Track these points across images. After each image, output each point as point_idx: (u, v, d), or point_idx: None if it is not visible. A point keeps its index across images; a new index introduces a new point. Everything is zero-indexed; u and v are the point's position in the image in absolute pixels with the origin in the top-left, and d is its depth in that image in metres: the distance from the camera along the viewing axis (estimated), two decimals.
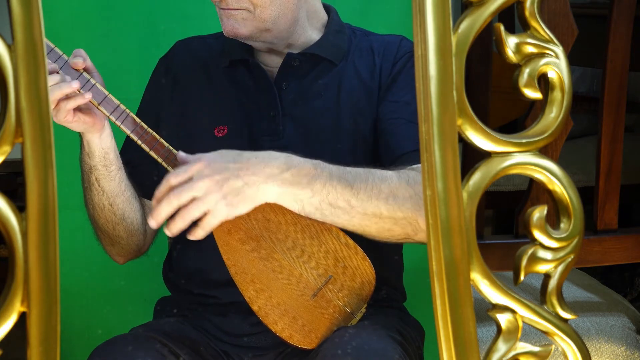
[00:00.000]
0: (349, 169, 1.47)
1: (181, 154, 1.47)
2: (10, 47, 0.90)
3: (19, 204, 0.93)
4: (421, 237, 1.49)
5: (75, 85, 1.47)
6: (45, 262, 0.91)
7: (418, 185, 1.48)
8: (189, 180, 1.40)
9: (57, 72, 1.49)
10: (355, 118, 1.64)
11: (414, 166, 1.53)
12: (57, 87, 1.47)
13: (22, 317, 0.92)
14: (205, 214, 1.40)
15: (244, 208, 1.41)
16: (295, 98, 1.65)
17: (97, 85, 1.52)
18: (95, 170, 1.59)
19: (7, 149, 0.91)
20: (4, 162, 0.92)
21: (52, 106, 1.48)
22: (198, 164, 1.41)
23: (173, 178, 1.41)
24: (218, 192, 1.39)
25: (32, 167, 0.91)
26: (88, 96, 1.48)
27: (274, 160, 1.42)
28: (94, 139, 1.56)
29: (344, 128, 1.63)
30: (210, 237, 1.58)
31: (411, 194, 1.47)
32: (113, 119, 1.52)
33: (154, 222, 1.43)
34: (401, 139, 1.59)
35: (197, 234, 1.41)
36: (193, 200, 1.39)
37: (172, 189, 1.41)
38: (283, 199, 1.43)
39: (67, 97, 1.48)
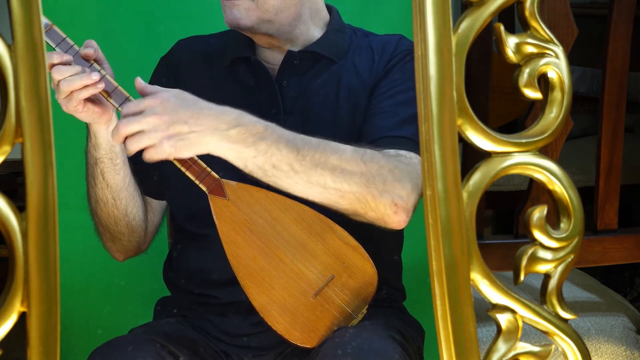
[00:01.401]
0: (304, 136, 1.48)
1: (139, 81, 1.47)
2: (10, 47, 0.90)
3: (19, 204, 0.92)
4: (371, 216, 1.49)
5: (95, 77, 1.49)
6: (45, 262, 0.91)
7: (372, 163, 1.48)
8: (140, 112, 1.42)
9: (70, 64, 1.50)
10: (353, 115, 1.64)
11: (385, 150, 1.53)
12: (78, 78, 1.48)
13: (22, 317, 0.92)
14: (149, 147, 1.42)
15: (186, 153, 1.42)
16: (296, 95, 1.66)
17: (107, 76, 1.52)
18: (101, 163, 1.59)
19: (7, 149, 0.91)
20: (4, 162, 0.92)
21: (63, 95, 1.48)
22: (153, 99, 1.43)
23: (125, 108, 1.44)
24: (164, 131, 1.41)
25: (32, 167, 0.91)
26: (100, 86, 1.50)
27: (225, 115, 1.44)
28: (101, 130, 1.56)
29: (344, 125, 1.64)
30: (210, 238, 1.58)
31: (362, 170, 1.47)
32: (122, 110, 1.53)
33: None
34: (372, 128, 1.60)
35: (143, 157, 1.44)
36: (140, 132, 1.41)
37: (123, 117, 1.43)
38: (227, 154, 1.44)
39: (81, 87, 1.49)
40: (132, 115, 1.42)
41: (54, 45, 1.52)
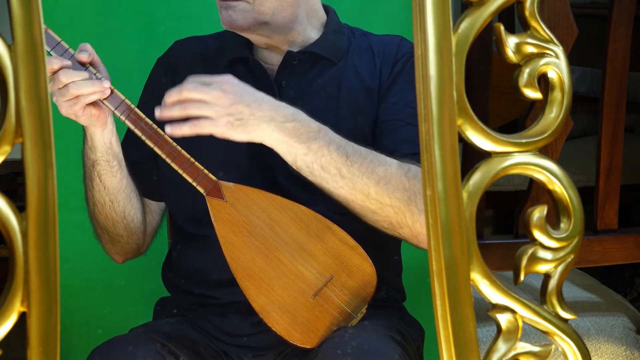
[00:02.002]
0: (354, 144, 1.51)
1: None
2: (10, 47, 0.90)
3: (19, 204, 0.92)
4: (405, 233, 1.51)
5: (106, 84, 1.51)
6: (45, 262, 0.91)
7: (415, 181, 1.49)
8: (208, 84, 1.45)
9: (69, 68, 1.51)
10: (355, 117, 1.64)
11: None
12: (90, 83, 1.50)
13: (22, 317, 0.92)
14: (203, 117, 1.44)
15: (240, 135, 1.45)
16: (295, 96, 1.66)
17: (103, 80, 1.52)
18: (97, 165, 1.60)
19: (7, 149, 0.91)
20: (4, 162, 0.92)
21: (68, 98, 1.49)
22: (223, 79, 1.46)
23: (194, 77, 1.46)
24: (226, 107, 1.44)
25: (32, 167, 0.91)
26: (107, 92, 1.51)
27: (284, 109, 1.48)
28: (97, 132, 1.57)
29: (344, 126, 1.64)
30: (210, 238, 1.58)
31: (405, 186, 1.49)
32: (118, 113, 1.53)
33: (158, 111, 1.47)
34: (399, 141, 1.60)
35: (182, 129, 1.45)
36: (201, 101, 1.44)
37: (189, 83, 1.45)
38: (278, 147, 1.47)
39: (91, 92, 1.50)
40: (199, 84, 1.44)
41: (49, 49, 1.52)
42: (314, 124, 1.48)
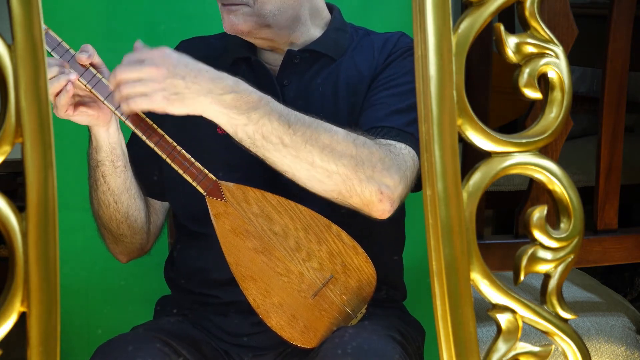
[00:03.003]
0: (298, 113, 1.49)
1: (138, 43, 1.48)
2: (10, 47, 0.90)
3: (19, 204, 0.93)
4: (355, 202, 1.49)
5: (72, 77, 1.49)
6: (45, 262, 0.91)
7: (363, 148, 1.48)
8: (141, 62, 1.43)
9: (63, 66, 1.50)
10: (352, 110, 1.64)
11: (378, 140, 1.53)
12: (56, 80, 1.48)
13: (22, 317, 0.92)
14: (140, 95, 1.43)
15: (178, 109, 1.43)
16: (297, 95, 1.66)
17: (104, 80, 1.52)
18: (102, 166, 1.60)
19: (7, 149, 0.91)
20: (4, 162, 0.92)
21: (52, 99, 1.49)
22: (155, 51, 1.44)
23: (128, 56, 1.44)
24: (160, 82, 1.42)
25: (32, 167, 0.91)
26: (70, 89, 1.49)
27: (222, 80, 1.45)
28: (101, 132, 1.56)
29: (344, 120, 1.64)
30: (212, 238, 1.58)
31: (352, 153, 1.47)
32: (118, 114, 1.53)
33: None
34: (365, 118, 1.60)
35: (123, 108, 1.44)
36: (136, 79, 1.42)
37: (123, 63, 1.44)
38: (219, 119, 1.45)
39: (60, 92, 1.49)
40: (132, 63, 1.43)
41: (49, 50, 1.52)
42: (255, 95, 1.46)
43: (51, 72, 1.49)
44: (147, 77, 1.42)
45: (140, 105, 1.42)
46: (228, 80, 1.45)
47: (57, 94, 1.50)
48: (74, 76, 1.49)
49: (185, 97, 1.43)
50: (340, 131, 1.49)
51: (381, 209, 1.50)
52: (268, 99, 1.47)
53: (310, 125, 1.48)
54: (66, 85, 1.49)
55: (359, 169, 1.47)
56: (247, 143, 1.47)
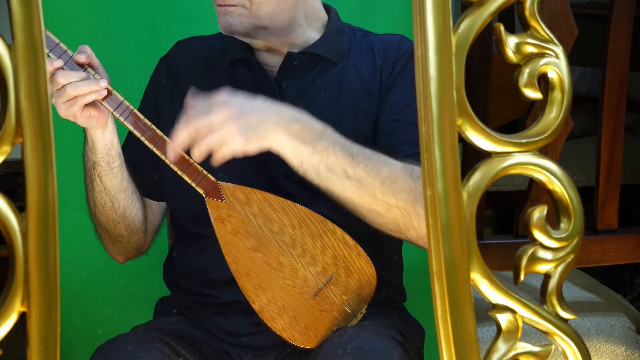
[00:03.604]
0: (358, 145, 1.48)
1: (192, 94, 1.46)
2: (10, 47, 0.90)
3: (19, 204, 0.92)
4: (412, 235, 1.49)
5: (103, 84, 1.49)
6: (45, 262, 0.91)
7: (420, 182, 1.48)
8: (207, 108, 1.42)
9: (62, 68, 1.51)
10: (356, 117, 1.64)
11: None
12: (86, 83, 1.49)
13: (22, 317, 0.92)
14: (220, 145, 1.41)
15: (254, 146, 1.42)
16: (296, 97, 1.66)
17: (100, 79, 1.52)
18: (98, 166, 1.60)
19: (7, 149, 0.91)
20: (4, 162, 0.92)
21: (65, 99, 1.49)
22: (218, 96, 1.43)
23: (191, 107, 1.43)
24: (235, 125, 1.41)
25: (32, 167, 0.91)
26: (104, 92, 1.50)
27: (285, 110, 1.45)
28: (98, 134, 1.56)
29: (345, 127, 1.64)
30: (211, 238, 1.58)
31: (411, 187, 1.47)
32: (117, 115, 1.53)
33: (171, 154, 1.47)
34: (400, 142, 1.59)
35: (214, 163, 1.43)
36: (210, 131, 1.41)
37: (189, 111, 1.42)
38: (286, 150, 1.44)
39: (88, 93, 1.50)
40: (199, 111, 1.41)
41: (47, 51, 1.52)
42: (317, 124, 1.46)
43: (76, 75, 1.49)
44: (220, 123, 1.40)
45: (224, 153, 1.41)
46: (290, 110, 1.45)
47: (82, 95, 1.50)
48: (105, 83, 1.50)
49: (259, 131, 1.42)
50: (398, 164, 1.49)
51: None
52: (330, 129, 1.47)
53: (372, 158, 1.48)
54: (98, 91, 1.50)
55: (417, 203, 1.47)
56: (312, 175, 1.46)
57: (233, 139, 1.40)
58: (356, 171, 1.46)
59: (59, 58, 1.52)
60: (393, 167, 1.48)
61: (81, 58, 1.53)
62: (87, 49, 1.55)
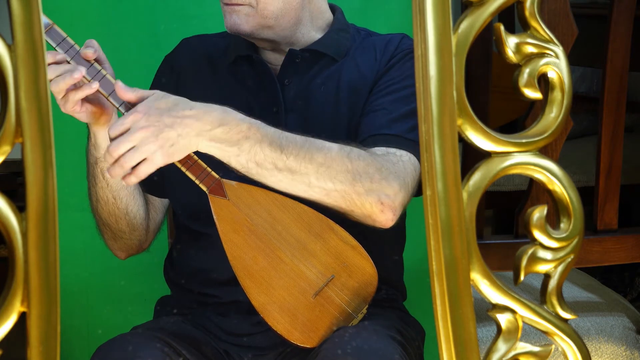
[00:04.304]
0: (289, 134, 1.49)
1: (120, 87, 1.48)
2: (10, 47, 0.90)
3: (19, 204, 0.92)
4: (358, 214, 1.51)
5: (76, 75, 1.48)
6: (45, 262, 0.91)
7: (358, 161, 1.49)
8: (127, 131, 1.43)
9: (68, 62, 1.50)
10: (353, 111, 1.65)
11: (374, 149, 1.53)
12: (62, 79, 1.48)
13: (22, 317, 0.92)
14: (141, 162, 1.43)
15: (178, 156, 1.45)
16: (298, 94, 1.66)
17: (108, 76, 1.52)
18: (101, 163, 1.60)
19: (7, 149, 0.91)
20: (4, 162, 0.92)
21: (59, 96, 1.49)
22: (134, 114, 1.44)
23: (112, 130, 1.44)
24: (154, 142, 1.42)
25: (32, 167, 0.91)
26: (95, 86, 1.50)
27: (208, 115, 1.45)
28: (101, 130, 1.56)
29: (344, 121, 1.64)
30: (212, 237, 1.58)
31: (348, 168, 1.48)
32: (122, 111, 1.53)
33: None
34: (365, 126, 1.60)
35: (130, 180, 1.44)
36: (131, 149, 1.43)
37: (111, 140, 1.44)
38: (212, 152, 1.46)
39: (76, 88, 1.49)
40: (119, 136, 1.43)
41: (54, 45, 1.52)
42: (244, 123, 1.46)
43: (58, 70, 1.48)
44: (139, 143, 1.42)
45: (146, 171, 1.43)
46: (214, 113, 1.46)
47: (72, 90, 1.49)
48: (78, 74, 1.49)
49: (179, 145, 1.44)
50: (334, 147, 1.50)
51: (384, 219, 1.50)
52: (258, 125, 1.48)
53: (303, 146, 1.48)
54: (79, 82, 1.49)
55: (356, 183, 1.48)
56: (242, 171, 1.48)
57: (154, 156, 1.42)
58: (286, 163, 1.47)
59: (65, 52, 1.51)
60: (327, 151, 1.49)
61: (89, 52, 1.52)
62: (95, 43, 1.54)
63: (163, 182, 1.71)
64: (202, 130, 1.44)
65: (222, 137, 1.45)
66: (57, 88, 1.48)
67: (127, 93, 1.47)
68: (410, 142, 1.55)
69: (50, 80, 1.47)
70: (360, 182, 1.48)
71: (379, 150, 1.54)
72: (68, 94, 1.49)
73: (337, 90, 1.66)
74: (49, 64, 1.48)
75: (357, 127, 1.63)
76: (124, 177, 1.45)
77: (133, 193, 1.66)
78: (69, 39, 1.52)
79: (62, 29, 1.53)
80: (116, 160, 1.43)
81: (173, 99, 1.46)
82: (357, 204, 1.49)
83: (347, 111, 1.65)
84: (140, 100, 1.46)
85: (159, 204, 1.76)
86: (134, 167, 1.43)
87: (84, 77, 1.50)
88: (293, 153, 1.47)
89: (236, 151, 1.46)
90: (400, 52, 1.67)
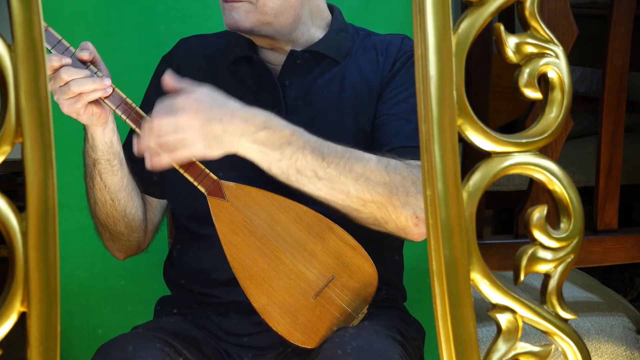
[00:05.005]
0: (330, 143, 1.49)
1: (168, 78, 1.46)
2: (10, 47, 0.90)
3: (19, 204, 0.92)
4: (391, 228, 1.51)
5: (107, 82, 1.50)
6: (45, 262, 0.91)
7: (395, 174, 1.49)
8: (175, 109, 1.42)
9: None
10: (357, 114, 1.65)
11: (410, 161, 1.53)
12: (91, 80, 1.49)
13: (22, 317, 0.92)
14: (179, 146, 1.42)
15: (216, 153, 1.44)
16: (299, 95, 1.66)
17: (104, 77, 1.52)
18: (98, 164, 1.60)
19: (7, 149, 0.91)
20: (4, 162, 0.92)
21: (70, 95, 1.49)
22: (187, 97, 1.43)
23: (161, 105, 1.43)
24: (199, 130, 1.41)
25: (32, 167, 0.91)
26: (110, 90, 1.50)
27: (254, 117, 1.45)
28: (98, 131, 1.57)
29: (347, 124, 1.64)
30: (212, 238, 1.58)
31: (386, 180, 1.48)
32: (119, 112, 1.53)
33: (135, 149, 1.46)
34: (391, 135, 1.60)
35: (162, 161, 1.43)
36: (174, 131, 1.42)
37: (155, 113, 1.43)
38: (253, 156, 1.46)
39: (92, 90, 1.50)
40: (167, 111, 1.42)
41: (49, 47, 1.52)
42: (287, 129, 1.46)
43: (80, 72, 1.49)
44: (184, 127, 1.41)
45: (183, 154, 1.42)
46: (260, 116, 1.46)
47: (86, 93, 1.50)
48: (109, 81, 1.50)
49: (223, 140, 1.43)
50: (372, 158, 1.50)
51: (418, 233, 1.51)
52: (300, 132, 1.47)
53: (343, 156, 1.48)
54: (103, 89, 1.50)
55: (393, 196, 1.48)
56: (281, 178, 1.47)
57: (194, 143, 1.41)
58: (327, 171, 1.47)
59: (61, 54, 1.52)
60: (367, 162, 1.49)
61: (84, 55, 1.53)
62: (90, 45, 1.55)
63: (162, 183, 1.71)
64: (246, 132, 1.44)
65: (265, 141, 1.44)
66: (80, 89, 1.48)
67: (173, 83, 1.46)
68: None
69: (70, 81, 1.48)
70: (397, 195, 1.48)
71: (412, 162, 1.54)
72: (82, 95, 1.50)
73: (340, 93, 1.66)
74: (62, 66, 1.49)
75: (365, 133, 1.62)
76: (152, 157, 1.43)
77: (131, 194, 1.66)
78: (64, 41, 1.53)
79: (61, 30, 1.53)
80: (154, 136, 1.41)
81: (224, 95, 1.46)
82: (392, 217, 1.50)
83: (351, 114, 1.65)
84: (183, 90, 1.45)
85: (157, 204, 1.76)
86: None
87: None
88: (334, 162, 1.47)
89: (278, 156, 1.45)
90: (403, 55, 1.67)
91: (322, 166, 1.47)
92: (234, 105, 1.45)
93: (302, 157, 1.46)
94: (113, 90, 1.53)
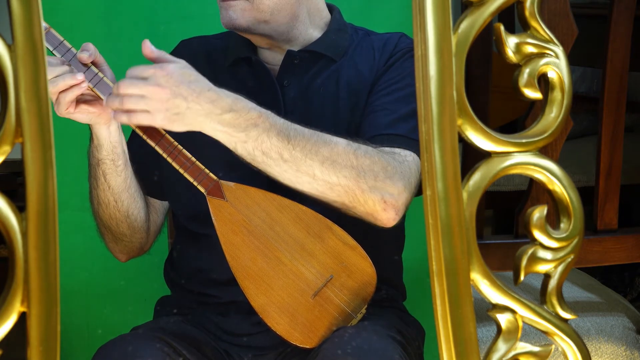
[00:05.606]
0: (298, 127, 1.50)
1: (147, 45, 1.48)
2: (10, 47, 0.90)
3: (19, 204, 0.93)
4: (360, 211, 1.51)
5: (79, 77, 1.48)
6: (45, 262, 0.91)
7: (364, 158, 1.49)
8: (144, 79, 1.43)
9: (68, 65, 1.50)
10: (353, 111, 1.65)
11: (382, 148, 1.53)
12: (61, 79, 1.48)
13: (22, 317, 0.92)
14: (141, 111, 1.43)
15: (177, 128, 1.45)
16: (297, 95, 1.66)
17: (105, 79, 1.52)
18: (103, 164, 1.60)
19: (7, 149, 0.91)
20: (4, 162, 0.92)
21: (53, 98, 1.49)
22: (159, 69, 1.44)
23: (131, 70, 1.44)
24: (163, 102, 1.42)
25: (32, 167, 0.91)
26: (84, 85, 1.49)
27: (221, 99, 1.45)
28: (102, 131, 1.56)
29: (343, 123, 1.64)
30: (212, 238, 1.58)
31: (353, 164, 1.48)
32: (127, 72, 1.53)
33: (104, 102, 1.48)
34: (370, 124, 1.60)
35: (120, 118, 1.44)
36: (139, 95, 1.43)
37: (127, 77, 1.44)
38: (218, 136, 1.46)
39: (66, 89, 1.49)
40: (135, 79, 1.43)
41: (51, 49, 1.52)
42: (254, 111, 1.47)
43: (55, 71, 1.49)
44: (150, 96, 1.42)
45: (141, 120, 1.44)
46: (227, 98, 1.46)
47: (62, 92, 1.49)
48: (81, 76, 1.50)
49: (185, 116, 1.44)
50: (341, 142, 1.50)
51: (386, 218, 1.51)
52: (268, 114, 1.48)
53: (310, 139, 1.49)
54: (75, 85, 1.49)
55: (360, 180, 1.48)
56: (247, 159, 1.48)
57: (155, 114, 1.43)
58: (292, 153, 1.47)
59: (62, 56, 1.52)
60: (334, 145, 1.50)
61: (84, 56, 1.52)
62: (91, 46, 1.55)
63: (162, 184, 1.71)
64: (211, 113, 1.44)
65: (230, 122, 1.45)
66: (53, 89, 1.48)
67: (150, 50, 1.47)
68: (413, 142, 1.56)
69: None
70: (364, 179, 1.48)
71: (385, 149, 1.54)
72: (59, 96, 1.49)
73: (336, 91, 1.66)
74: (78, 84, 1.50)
75: (357, 127, 1.63)
76: (115, 113, 1.45)
77: (134, 195, 1.66)
78: (65, 42, 1.52)
79: (61, 30, 1.53)
80: (119, 95, 1.43)
81: (196, 74, 1.46)
82: (360, 200, 1.50)
83: (348, 111, 1.65)
84: (159, 60, 1.46)
85: (160, 206, 1.76)
86: (130, 111, 1.43)
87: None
88: (300, 144, 1.48)
89: (243, 137, 1.46)
90: (399, 51, 1.67)
91: (287, 148, 1.47)
92: (203, 85, 1.46)
93: (267, 140, 1.47)
94: (101, 79, 1.53)
